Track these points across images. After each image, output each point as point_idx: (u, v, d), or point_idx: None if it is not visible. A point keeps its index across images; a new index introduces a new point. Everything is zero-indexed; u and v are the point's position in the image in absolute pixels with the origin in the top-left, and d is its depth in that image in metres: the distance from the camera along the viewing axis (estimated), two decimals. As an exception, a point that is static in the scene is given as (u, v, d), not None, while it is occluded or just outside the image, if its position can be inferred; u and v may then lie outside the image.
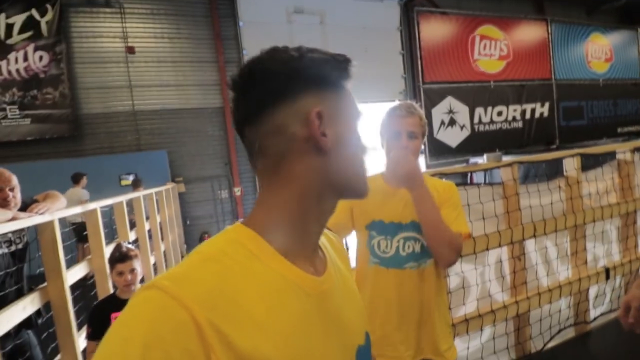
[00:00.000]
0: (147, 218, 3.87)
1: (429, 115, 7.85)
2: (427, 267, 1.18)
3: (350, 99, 0.49)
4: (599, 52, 9.32)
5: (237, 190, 7.10)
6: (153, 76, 6.43)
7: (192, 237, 6.83)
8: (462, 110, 8.07)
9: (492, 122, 8.39)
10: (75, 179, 4.98)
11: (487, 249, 2.00)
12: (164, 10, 6.45)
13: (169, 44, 6.55)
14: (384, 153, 1.20)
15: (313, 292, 0.44)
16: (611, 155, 2.72)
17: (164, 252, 4.40)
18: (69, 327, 1.72)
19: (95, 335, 1.60)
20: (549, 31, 8.57)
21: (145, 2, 6.35)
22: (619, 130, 9.53)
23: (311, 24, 7.07)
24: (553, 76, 8.86)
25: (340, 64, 0.46)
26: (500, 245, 2.06)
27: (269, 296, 0.39)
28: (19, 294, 1.69)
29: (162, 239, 4.44)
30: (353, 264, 1.19)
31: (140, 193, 3.86)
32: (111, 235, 2.93)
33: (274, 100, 0.43)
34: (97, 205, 2.32)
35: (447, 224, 1.11)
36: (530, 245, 2.32)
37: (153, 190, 4.40)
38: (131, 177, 6.03)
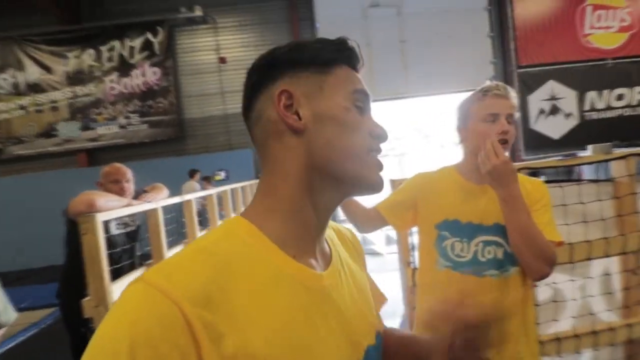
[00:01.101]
0: (234, 210, 4.31)
1: (524, 103, 6.95)
2: (512, 277, 1.03)
3: (341, 76, 0.45)
4: None
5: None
6: (242, 82, 7.09)
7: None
8: (568, 96, 6.93)
9: (609, 107, 7.01)
10: (191, 174, 5.85)
11: (590, 259, 1.71)
12: (249, 21, 7.06)
13: (254, 51, 7.15)
14: (466, 141, 1.04)
15: (313, 286, 0.42)
16: None
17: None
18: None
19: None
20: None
21: (234, 14, 7.04)
22: None
23: (388, 17, 6.90)
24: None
25: (330, 45, 0.45)
26: (607, 255, 1.73)
27: (263, 289, 0.38)
28: (132, 268, 2.05)
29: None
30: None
31: (227, 187, 4.32)
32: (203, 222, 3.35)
33: (255, 91, 0.45)
34: (192, 196, 2.69)
35: (550, 234, 0.97)
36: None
37: (239, 185, 4.88)
38: (223, 173, 6.77)
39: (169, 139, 6.98)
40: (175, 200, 2.45)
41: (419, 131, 7.74)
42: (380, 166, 0.46)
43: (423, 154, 7.40)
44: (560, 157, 1.99)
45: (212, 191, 3.40)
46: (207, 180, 5.94)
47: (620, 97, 7.03)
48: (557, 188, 1.74)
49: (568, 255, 1.64)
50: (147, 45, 6.85)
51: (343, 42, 0.47)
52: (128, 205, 1.84)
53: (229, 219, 0.47)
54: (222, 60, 7.00)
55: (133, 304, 0.33)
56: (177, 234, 2.68)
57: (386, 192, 0.98)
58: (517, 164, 1.62)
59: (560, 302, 1.75)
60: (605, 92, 6.98)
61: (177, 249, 2.47)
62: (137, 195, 2.07)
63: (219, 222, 3.43)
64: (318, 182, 0.44)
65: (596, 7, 6.78)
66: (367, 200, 0.98)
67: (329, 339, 0.41)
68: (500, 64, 7.08)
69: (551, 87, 6.88)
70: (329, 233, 0.52)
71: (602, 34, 6.89)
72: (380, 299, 0.71)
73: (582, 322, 1.77)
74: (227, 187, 4.16)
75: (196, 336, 0.32)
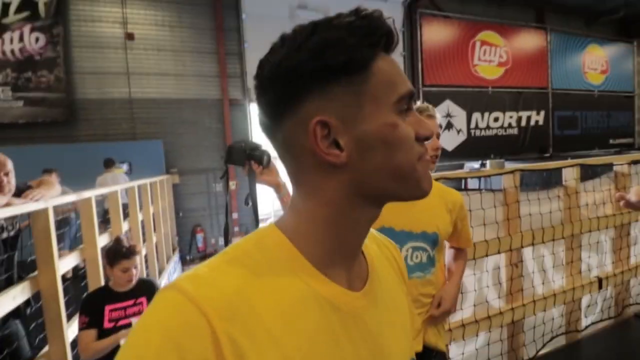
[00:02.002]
0: (141, 208, 3.82)
1: (426, 118, 7.87)
2: (431, 276, 1.21)
3: (382, 78, 0.38)
4: (595, 63, 9.46)
5: (232, 184, 7.05)
6: (152, 64, 6.33)
7: (185, 229, 6.77)
8: (459, 115, 8.12)
9: (488, 127, 8.46)
10: (107, 164, 5.04)
11: (487, 255, 2.02)
12: (165, -2, 6.35)
13: (169, 32, 6.46)
14: None
15: (345, 307, 0.39)
16: (608, 167, 2.77)
17: (156, 244, 4.35)
18: (59, 318, 1.68)
19: (91, 324, 1.58)
20: (548, 40, 8.66)
21: (146, -13, 6.25)
22: (611, 141, 9.69)
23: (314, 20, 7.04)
24: (550, 85, 8.97)
25: (366, 36, 0.37)
26: (499, 252, 2.08)
27: (290, 307, 0.36)
28: (9, 283, 1.64)
29: (155, 231, 4.39)
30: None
31: (134, 183, 3.80)
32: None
33: (278, 111, 0.38)
34: (91, 193, 2.28)
35: (468, 237, 1.20)
36: (527, 253, 2.35)
37: (148, 180, 4.34)
38: (125, 166, 5.94)
39: (53, 122, 5.76)
40: (71, 198, 2.03)
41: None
42: (427, 172, 0.41)
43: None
44: (458, 170, 2.29)
45: (118, 187, 2.94)
46: (108, 166, 5.20)
47: (496, 119, 8.54)
48: (465, 196, 2.02)
49: (472, 253, 1.92)
50: (28, 4, 5.55)
51: (379, 26, 0.38)
52: (8, 204, 1.45)
53: (263, 227, 0.41)
54: (130, 36, 6.13)
55: (164, 311, 0.33)
56: (71, 239, 2.22)
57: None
58: (435, 174, 1.82)
59: (465, 293, 2.03)
60: (486, 114, 8.40)
61: (69, 258, 2.06)
62: (19, 193, 1.66)
63: (124, 224, 3.01)
64: (362, 204, 0.40)
65: (483, 42, 8.11)
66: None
67: None
68: (410, 81, 7.89)
69: (447, 105, 7.96)
70: (370, 246, 0.48)
71: (486, 66, 8.28)
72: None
73: (480, 309, 2.08)
74: (133, 183, 3.66)
75: (222, 350, 0.31)
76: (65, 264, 1.95)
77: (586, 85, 9.43)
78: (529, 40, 8.47)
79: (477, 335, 2.01)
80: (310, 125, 0.36)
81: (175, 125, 6.60)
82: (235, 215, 7.11)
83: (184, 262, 6.32)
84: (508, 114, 8.58)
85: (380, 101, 0.38)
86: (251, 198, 1.11)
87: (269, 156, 1.08)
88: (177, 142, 6.60)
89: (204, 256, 6.74)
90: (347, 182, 0.38)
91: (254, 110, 7.30)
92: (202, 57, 6.72)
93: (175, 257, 5.71)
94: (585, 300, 2.49)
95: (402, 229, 1.16)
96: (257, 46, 6.69)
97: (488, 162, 2.19)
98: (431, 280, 1.20)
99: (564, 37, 8.82)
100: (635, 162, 2.70)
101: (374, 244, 0.50)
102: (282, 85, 0.37)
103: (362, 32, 0.37)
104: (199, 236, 6.94)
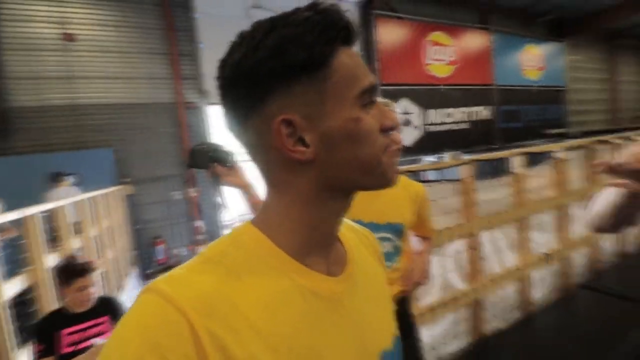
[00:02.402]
0: (93, 223, 3.54)
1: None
2: (398, 265, 1.26)
3: (343, 72, 0.37)
4: (532, 61, 10.33)
5: (193, 191, 6.78)
6: (97, 67, 5.89)
7: (143, 242, 6.39)
8: (415, 112, 8.47)
9: (442, 123, 8.92)
10: (55, 179, 4.61)
11: (449, 242, 2.14)
12: (108, -4, 5.94)
13: (115, 33, 6.05)
14: None
15: (325, 293, 0.40)
16: (547, 154, 3.04)
17: (112, 260, 4.06)
18: (6, 349, 1.52)
19: (47, 352, 1.44)
20: (491, 40, 9.31)
21: (86, -15, 5.80)
22: (548, 132, 10.64)
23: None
24: (494, 82, 9.65)
25: (324, 31, 0.36)
26: (460, 238, 2.21)
27: (272, 300, 0.36)
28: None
29: (110, 246, 4.10)
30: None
31: (84, 196, 3.52)
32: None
33: (243, 112, 0.38)
34: (36, 209, 2.07)
35: (431, 226, 1.27)
36: (484, 236, 2.52)
37: (99, 193, 4.04)
38: (71, 178, 5.47)
39: (-18, 132, 5.19)
40: (13, 216, 1.83)
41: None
42: (393, 162, 0.42)
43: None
44: (417, 163, 2.41)
45: (65, 201, 2.70)
46: (56, 181, 4.77)
47: (449, 115, 9.02)
48: (428, 187, 2.12)
49: (435, 241, 2.02)
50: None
51: (337, 20, 0.37)
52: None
53: (238, 226, 0.41)
54: (69, 37, 5.65)
55: (142, 313, 0.34)
56: (12, 262, 1.99)
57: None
58: (401, 168, 1.90)
59: (431, 279, 2.14)
60: (440, 110, 8.84)
61: (15, 281, 1.86)
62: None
63: (73, 242, 2.78)
64: (333, 196, 0.41)
65: (434, 43, 8.53)
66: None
67: (340, 345, 0.40)
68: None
69: (404, 104, 8.28)
70: (347, 234, 0.49)
71: (437, 64, 8.71)
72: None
73: (446, 292, 2.19)
74: (83, 196, 3.38)
75: (203, 346, 0.32)
76: (9, 288, 1.75)
77: (525, 81, 10.27)
78: (475, 40, 9.05)
79: (444, 317, 2.12)
80: (274, 124, 0.36)
81: (127, 131, 6.20)
82: (198, 223, 6.85)
83: (145, 277, 5.96)
84: (459, 109, 9.11)
85: (343, 96, 0.37)
86: (219, 201, 1.08)
87: (233, 157, 1.06)
88: (129, 149, 6.20)
89: (167, 268, 6.34)
90: (315, 177, 0.39)
91: (212, 113, 7.06)
92: (153, 59, 6.38)
93: (135, 273, 5.37)
94: (535, 276, 2.72)
95: (370, 221, 1.18)
96: (212, 46, 6.48)
97: (446, 154, 2.32)
98: (398, 268, 1.26)
99: (505, 37, 9.54)
100: (570, 149, 3.00)
101: (352, 232, 0.51)
102: (244, 85, 0.37)
103: (320, 27, 0.36)
104: (160, 248, 6.59)
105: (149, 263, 6.39)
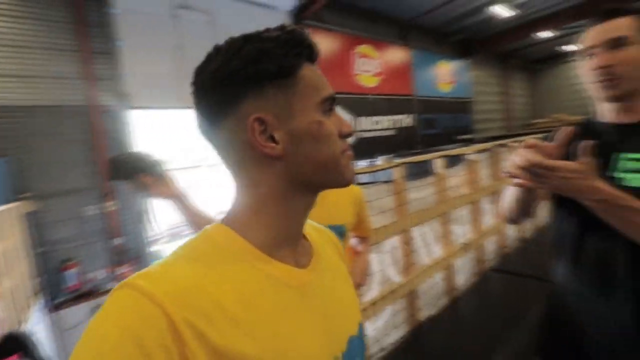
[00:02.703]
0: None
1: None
2: None
3: (308, 82, 0.44)
4: (445, 75, 11.63)
5: (111, 205, 6.07)
6: (-6, 63, 4.97)
7: (50, 266, 5.50)
8: (349, 119, 8.86)
9: (371, 130, 9.49)
10: None
11: (385, 239, 2.29)
12: (1, -18, 5.08)
13: (11, 25, 5.19)
14: None
15: (295, 283, 0.44)
16: (462, 157, 3.45)
17: (8, 290, 3.42)
18: None
19: None
20: (411, 55, 10.24)
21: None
22: (459, 137, 12.04)
23: (198, 21, 6.67)
24: (415, 93, 10.62)
25: (292, 47, 0.43)
26: (395, 234, 2.38)
27: (246, 291, 0.39)
28: None
29: (4, 274, 3.44)
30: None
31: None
32: None
33: (218, 112, 0.43)
34: None
35: (369, 225, 1.34)
36: (415, 232, 2.75)
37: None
38: (-51, 194, 4.49)
39: None
40: None
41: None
42: (349, 164, 0.47)
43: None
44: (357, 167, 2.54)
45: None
46: None
47: (377, 123, 9.63)
48: (365, 189, 2.25)
49: (373, 239, 2.14)
50: None
51: (303, 39, 0.45)
52: None
53: (209, 227, 0.44)
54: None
55: (118, 307, 0.34)
56: None
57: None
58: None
59: (371, 275, 2.26)
60: (369, 118, 9.40)
61: None
62: None
63: None
64: (299, 192, 0.45)
65: (362, 55, 9.07)
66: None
67: (312, 332, 0.43)
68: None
69: (339, 112, 8.60)
70: (311, 233, 0.53)
71: (365, 75, 9.28)
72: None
73: (384, 286, 2.33)
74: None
75: (181, 337, 0.33)
76: None
77: (440, 93, 11.51)
78: (397, 55, 9.87)
79: (384, 310, 2.24)
80: (248, 121, 0.41)
81: (27, 138, 5.30)
82: (118, 241, 6.14)
83: (53, 308, 5.12)
84: (386, 117, 9.81)
85: (307, 102, 0.44)
86: (146, 214, 0.98)
87: (161, 166, 0.98)
88: (30, 159, 5.31)
89: (81, 296, 5.48)
90: (283, 173, 0.43)
91: (134, 118, 6.46)
92: (60, 56, 5.60)
93: (40, 303, 4.60)
94: (458, 264, 3.05)
95: (320, 224, 1.23)
96: (134, 45, 5.94)
97: (379, 159, 2.48)
98: None
99: (423, 53, 10.59)
100: (479, 152, 3.45)
101: (315, 231, 0.56)
102: (221, 89, 0.42)
103: (289, 44, 0.43)
104: (71, 272, 5.71)
105: (58, 291, 5.50)
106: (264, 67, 0.41)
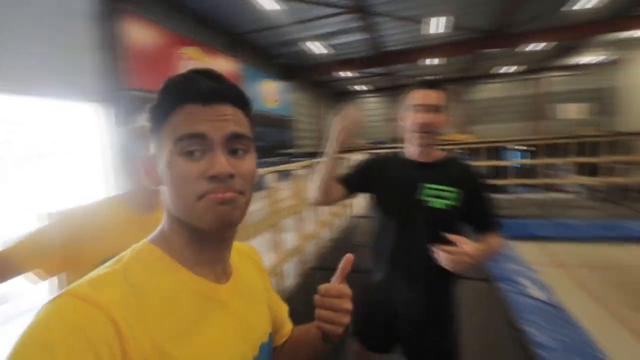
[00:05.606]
0: None
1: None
2: None
3: (172, 122, 0.45)
4: (271, 93, 12.54)
5: None
6: None
7: None
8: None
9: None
10: None
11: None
12: None
13: None
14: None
15: (214, 296, 0.51)
16: (289, 172, 3.89)
17: None
18: None
19: None
20: (241, 68, 10.51)
21: None
22: (280, 151, 13.25)
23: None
24: (244, 105, 10.93)
25: (165, 95, 0.47)
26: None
27: (169, 299, 0.45)
28: None
29: None
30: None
31: None
32: None
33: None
34: None
35: None
36: (252, 242, 2.88)
37: None
38: None
39: None
40: None
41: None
42: (213, 209, 0.44)
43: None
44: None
45: None
46: None
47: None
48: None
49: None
50: None
51: (190, 85, 0.46)
52: None
53: (136, 245, 0.48)
54: None
55: (60, 311, 0.37)
56: None
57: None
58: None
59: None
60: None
61: None
62: None
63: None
64: (179, 228, 0.50)
65: (189, 57, 8.56)
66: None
67: (228, 338, 0.50)
68: (111, 83, 6.98)
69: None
70: (232, 254, 0.58)
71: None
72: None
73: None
74: None
75: (122, 332, 0.38)
76: None
77: (267, 109, 12.31)
78: (227, 65, 9.89)
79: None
80: (144, 159, 0.49)
81: None
82: None
83: None
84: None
85: (166, 142, 0.46)
86: None
87: None
88: None
89: None
90: (166, 203, 0.50)
91: None
92: None
93: None
94: (288, 267, 3.40)
95: None
96: None
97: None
98: None
99: (252, 69, 11.05)
100: (303, 167, 3.97)
101: (236, 252, 0.60)
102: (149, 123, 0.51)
103: (171, 90, 0.47)
104: None
105: None
106: (151, 111, 0.49)
